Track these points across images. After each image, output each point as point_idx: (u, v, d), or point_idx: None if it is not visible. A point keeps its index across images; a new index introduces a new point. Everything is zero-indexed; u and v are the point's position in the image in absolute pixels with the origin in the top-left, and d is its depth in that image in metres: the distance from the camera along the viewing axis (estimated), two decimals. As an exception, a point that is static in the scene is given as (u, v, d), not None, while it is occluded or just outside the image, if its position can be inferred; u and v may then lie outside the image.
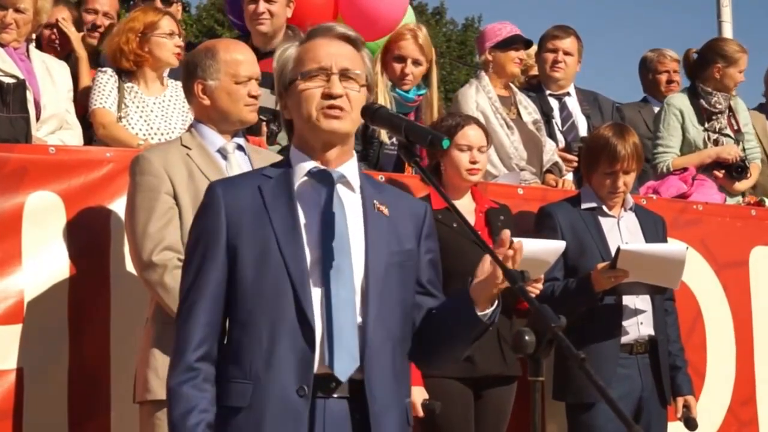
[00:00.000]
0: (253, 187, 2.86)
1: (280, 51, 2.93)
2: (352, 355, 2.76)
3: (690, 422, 4.94)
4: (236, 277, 2.80)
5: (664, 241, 5.08)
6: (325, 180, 2.86)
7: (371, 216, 2.88)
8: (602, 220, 4.95)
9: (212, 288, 2.81)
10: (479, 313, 2.77)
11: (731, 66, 6.65)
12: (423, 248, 2.96)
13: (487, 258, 2.77)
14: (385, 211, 2.91)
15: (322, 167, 2.86)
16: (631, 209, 5.04)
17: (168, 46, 5.29)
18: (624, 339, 4.81)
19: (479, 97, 5.96)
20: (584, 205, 4.98)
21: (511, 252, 2.71)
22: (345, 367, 2.75)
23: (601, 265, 4.68)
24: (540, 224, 4.98)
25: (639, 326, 4.83)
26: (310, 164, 2.86)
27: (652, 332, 4.85)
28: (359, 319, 2.79)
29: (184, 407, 2.75)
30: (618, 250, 4.63)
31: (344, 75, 2.84)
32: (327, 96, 2.81)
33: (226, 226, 2.81)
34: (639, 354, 4.83)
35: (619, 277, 4.64)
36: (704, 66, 6.69)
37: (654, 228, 5.04)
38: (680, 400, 4.96)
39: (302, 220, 2.82)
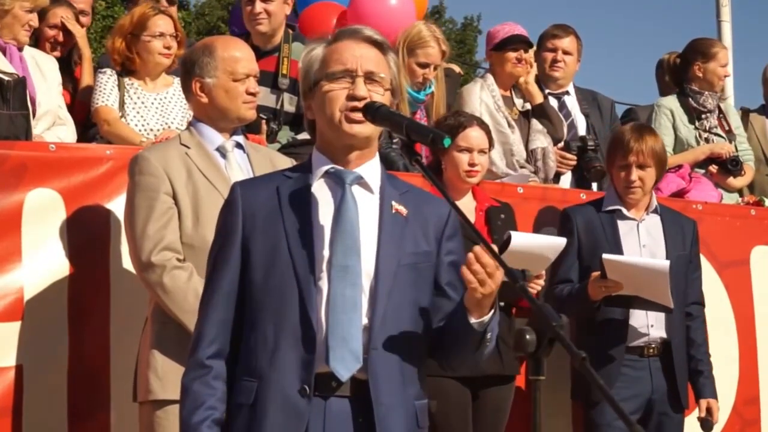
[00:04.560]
0: (272, 187, 2.88)
1: (306, 51, 2.94)
2: (354, 354, 2.75)
3: (705, 424, 4.99)
4: (247, 276, 2.83)
5: (693, 245, 5.10)
6: (340, 180, 2.86)
7: (386, 217, 2.87)
8: (620, 223, 4.99)
9: (225, 286, 2.84)
10: (472, 321, 2.74)
11: (710, 61, 6.72)
12: (443, 250, 2.93)
13: (463, 268, 2.69)
14: (404, 212, 2.89)
15: (338, 168, 2.86)
16: (655, 212, 5.05)
17: (156, 47, 5.28)
18: (635, 342, 4.85)
19: (483, 94, 6.01)
20: (605, 208, 5.02)
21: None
22: (346, 366, 2.75)
23: (594, 275, 4.70)
24: (561, 227, 5.03)
25: (649, 329, 4.86)
26: (328, 165, 2.87)
27: (664, 335, 4.88)
28: (365, 320, 2.79)
29: (193, 404, 2.79)
30: (601, 259, 4.66)
31: (369, 78, 2.84)
32: (351, 98, 2.81)
33: (242, 225, 2.84)
34: (651, 357, 4.87)
35: (610, 288, 4.66)
36: (686, 67, 6.79)
37: (680, 232, 5.07)
38: (703, 402, 5.00)
39: (315, 220, 2.82)
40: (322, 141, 2.91)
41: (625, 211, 5.01)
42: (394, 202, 2.89)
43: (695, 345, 5.01)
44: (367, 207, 2.86)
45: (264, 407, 2.75)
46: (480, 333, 2.76)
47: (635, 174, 4.92)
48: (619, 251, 4.87)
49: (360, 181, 2.87)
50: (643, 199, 5.03)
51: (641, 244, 4.95)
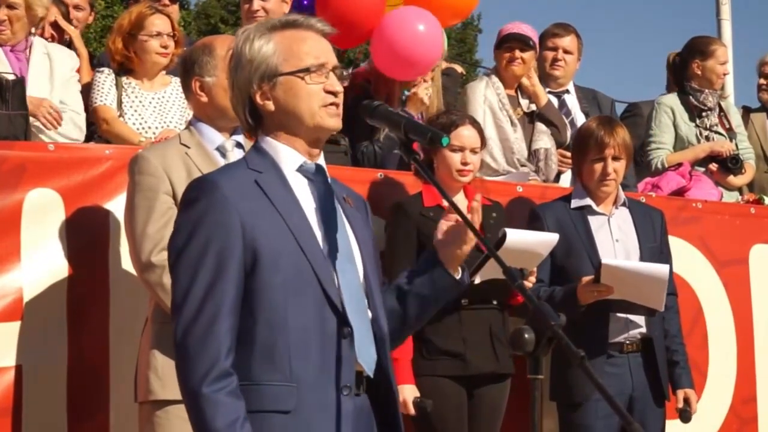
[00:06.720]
0: (248, 182, 2.75)
1: (252, 39, 2.81)
2: (372, 350, 2.75)
3: (683, 414, 4.94)
4: (259, 278, 2.68)
5: (662, 235, 5.06)
6: (315, 174, 2.82)
7: (346, 207, 2.88)
8: (591, 218, 4.93)
9: (235, 291, 2.67)
10: (458, 277, 2.88)
11: (709, 59, 6.73)
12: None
13: (443, 222, 2.87)
14: (351, 203, 2.91)
15: (309, 162, 2.82)
16: (623, 205, 5.01)
17: (153, 47, 5.28)
18: (614, 338, 4.81)
19: (488, 92, 6.03)
20: (574, 204, 4.97)
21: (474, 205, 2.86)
22: (370, 362, 2.74)
23: (585, 279, 4.66)
24: (529, 225, 4.94)
25: (628, 324, 4.81)
26: (298, 157, 2.81)
27: (644, 330, 4.84)
28: (370, 313, 2.79)
29: (228, 416, 2.58)
30: (599, 264, 4.63)
31: (334, 72, 2.81)
32: (329, 93, 2.78)
33: (241, 224, 2.68)
34: (630, 353, 4.82)
35: (602, 292, 4.63)
36: (685, 65, 6.81)
37: (650, 224, 5.01)
38: (680, 393, 4.95)
39: (310, 216, 2.77)
40: (286, 133, 2.81)
41: (594, 206, 4.96)
42: (343, 195, 2.90)
43: (669, 336, 4.95)
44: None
45: (310, 412, 2.66)
46: (465, 287, 2.93)
47: (611, 166, 4.88)
48: (593, 248, 4.84)
49: (324, 173, 2.86)
50: (612, 193, 4.99)
51: (614, 239, 4.91)
